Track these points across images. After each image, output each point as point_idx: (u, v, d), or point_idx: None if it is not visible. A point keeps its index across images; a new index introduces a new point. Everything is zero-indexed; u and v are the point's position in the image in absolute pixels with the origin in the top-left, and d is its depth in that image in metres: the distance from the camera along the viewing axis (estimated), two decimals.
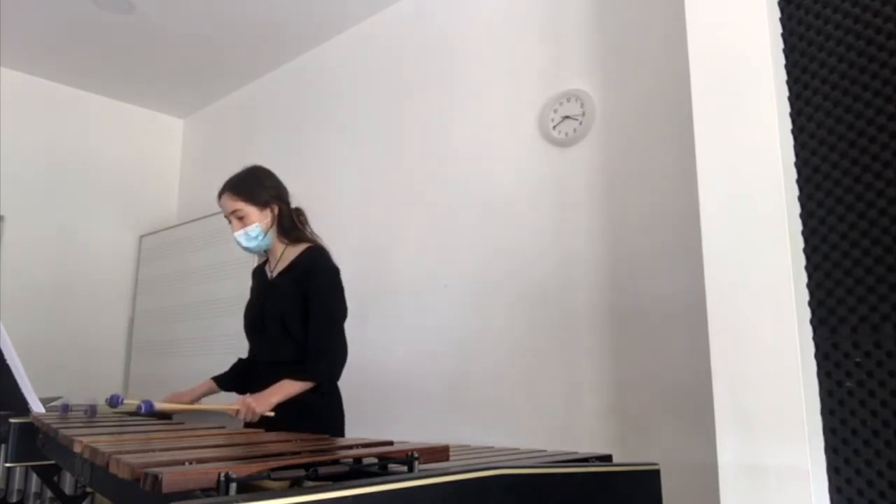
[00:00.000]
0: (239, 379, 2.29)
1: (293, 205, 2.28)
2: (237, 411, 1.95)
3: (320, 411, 2.06)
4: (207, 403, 2.18)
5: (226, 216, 2.19)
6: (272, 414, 1.94)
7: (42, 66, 4.25)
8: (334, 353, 2.06)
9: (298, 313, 2.08)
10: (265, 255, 2.31)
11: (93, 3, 3.52)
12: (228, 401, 2.12)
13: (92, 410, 1.92)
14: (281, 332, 2.10)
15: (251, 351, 2.27)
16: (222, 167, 4.52)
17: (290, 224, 2.22)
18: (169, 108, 4.92)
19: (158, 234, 4.60)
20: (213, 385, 2.29)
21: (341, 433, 2.15)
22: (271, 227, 2.19)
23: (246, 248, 2.20)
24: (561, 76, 2.73)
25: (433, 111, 3.23)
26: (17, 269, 4.10)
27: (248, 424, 1.98)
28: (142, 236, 4.71)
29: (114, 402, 1.90)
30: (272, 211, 2.19)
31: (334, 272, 2.15)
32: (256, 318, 2.20)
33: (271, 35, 3.85)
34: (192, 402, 2.19)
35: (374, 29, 3.63)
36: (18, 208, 4.17)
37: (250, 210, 2.15)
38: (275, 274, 2.21)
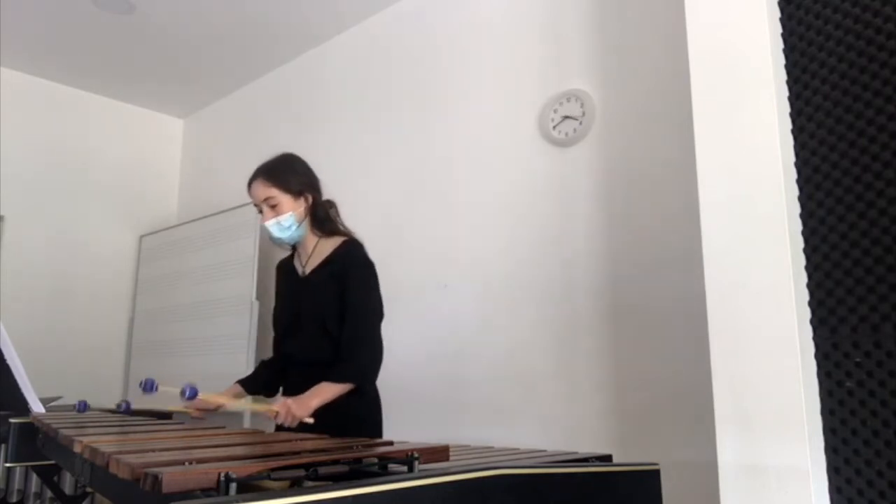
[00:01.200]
0: (265, 381, 2.18)
1: (325, 196, 2.16)
2: (276, 413, 1.83)
3: (360, 414, 1.96)
4: (248, 403, 2.06)
5: (256, 204, 2.07)
6: (311, 420, 1.81)
7: (42, 66, 4.25)
8: (371, 352, 1.95)
9: (337, 310, 1.97)
10: (291, 249, 2.18)
11: (93, 3, 3.52)
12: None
13: (83, 406, 1.92)
14: (319, 331, 1.99)
15: (284, 350, 2.14)
16: (222, 167, 4.55)
17: (324, 216, 2.10)
18: (169, 108, 4.92)
19: (158, 234, 4.60)
20: (240, 389, 2.16)
21: (380, 434, 2.06)
22: (305, 217, 2.07)
23: (277, 239, 2.07)
24: (561, 76, 2.73)
25: (433, 111, 3.23)
26: (17, 269, 4.10)
27: (286, 429, 1.87)
28: (142, 236, 4.71)
29: (147, 387, 1.79)
30: (306, 200, 2.07)
31: (371, 267, 2.06)
32: (291, 317, 2.08)
33: (271, 35, 3.85)
34: (219, 407, 2.07)
35: (373, 29, 3.63)
36: (18, 208, 4.17)
37: (284, 198, 2.02)
38: (308, 269, 2.08)
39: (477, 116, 3.03)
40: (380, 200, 3.39)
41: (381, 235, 3.35)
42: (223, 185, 4.41)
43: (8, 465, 1.76)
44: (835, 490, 1.47)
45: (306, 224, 2.07)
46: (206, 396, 2.00)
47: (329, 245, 2.07)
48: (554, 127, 2.70)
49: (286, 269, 2.19)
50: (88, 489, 2.03)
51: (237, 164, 4.41)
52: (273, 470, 0.81)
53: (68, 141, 4.47)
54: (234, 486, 0.75)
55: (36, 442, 1.67)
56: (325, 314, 1.98)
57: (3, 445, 1.74)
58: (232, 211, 3.95)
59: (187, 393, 1.69)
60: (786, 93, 1.65)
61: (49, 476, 2.02)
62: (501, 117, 2.92)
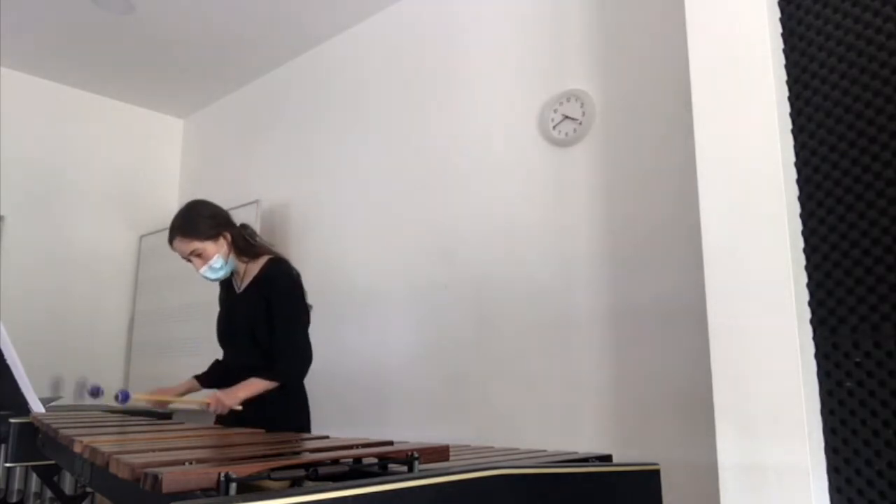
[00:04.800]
0: (219, 377, 2.41)
1: (239, 222, 2.41)
2: (208, 404, 2.10)
3: (287, 409, 2.21)
4: (181, 396, 2.36)
5: (184, 258, 2.30)
6: (240, 408, 2.09)
7: (42, 66, 4.25)
8: (299, 354, 2.20)
9: (264, 322, 2.22)
10: None
11: (93, 3, 3.52)
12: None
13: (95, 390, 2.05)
14: (249, 340, 2.25)
15: (223, 357, 2.44)
16: (222, 167, 4.55)
17: (244, 243, 2.35)
18: (169, 108, 4.92)
19: (158, 234, 4.59)
20: (196, 383, 2.44)
21: (308, 430, 2.30)
22: (230, 252, 2.32)
23: (215, 280, 2.35)
24: (561, 76, 2.73)
25: (433, 112, 3.23)
26: (18, 269, 4.09)
27: (218, 418, 2.16)
28: (142, 236, 4.71)
29: (94, 392, 2.07)
30: (225, 239, 2.31)
31: (294, 280, 2.30)
32: (227, 328, 2.37)
33: (271, 35, 3.85)
34: (175, 400, 2.36)
35: (374, 28, 3.63)
36: (18, 208, 4.17)
37: (205, 245, 2.27)
38: (242, 287, 2.35)
39: (477, 116, 3.03)
40: (379, 200, 3.39)
41: (381, 235, 3.35)
42: (223, 185, 4.41)
43: (8, 465, 1.77)
44: (835, 490, 1.47)
45: (233, 256, 2.34)
46: (141, 396, 2.31)
47: (256, 266, 2.34)
48: (554, 127, 2.70)
49: (226, 283, 2.46)
50: (88, 489, 2.03)
51: (237, 163, 4.41)
52: (273, 470, 0.81)
53: (68, 141, 4.47)
54: (234, 486, 0.75)
55: (36, 442, 1.66)
56: (255, 326, 2.24)
57: (3, 445, 1.73)
58: (232, 211, 3.93)
59: (119, 398, 1.89)
60: (786, 93, 1.65)
61: (49, 476, 2.02)
62: (501, 117, 2.92)
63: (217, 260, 2.28)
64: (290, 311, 2.23)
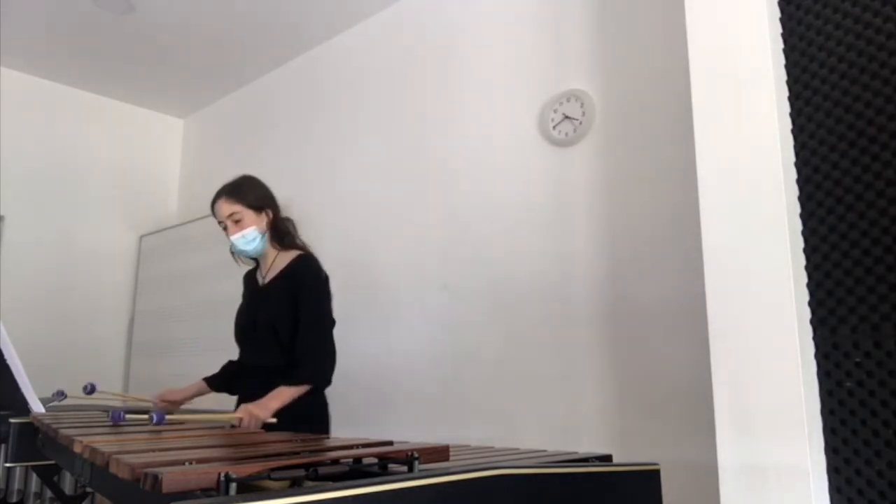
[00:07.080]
0: (230, 380, 2.32)
1: (283, 213, 2.33)
2: (240, 419, 1.94)
3: (313, 413, 2.12)
4: (210, 413, 2.23)
5: (220, 221, 2.21)
6: (274, 420, 1.96)
7: (42, 66, 4.25)
8: (326, 356, 2.12)
9: (289, 319, 2.12)
10: (255, 262, 2.34)
11: (93, 3, 3.52)
12: (219, 399, 2.24)
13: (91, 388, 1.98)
14: (271, 337, 2.14)
15: (239, 356, 2.31)
16: (222, 167, 4.55)
17: (284, 230, 2.27)
18: (169, 108, 4.92)
19: (158, 234, 4.60)
20: (204, 386, 2.34)
21: (327, 432, 2.21)
22: (266, 231, 2.23)
23: (242, 252, 2.23)
24: (561, 76, 2.73)
25: (433, 111, 3.23)
26: (18, 269, 4.10)
27: None
28: (142, 236, 4.71)
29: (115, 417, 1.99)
30: (267, 216, 2.23)
31: (324, 280, 2.21)
32: (248, 323, 2.25)
33: (271, 35, 3.85)
34: (183, 402, 2.28)
35: (374, 28, 3.63)
36: (18, 208, 4.17)
37: (247, 213, 2.18)
38: (266, 280, 2.25)
39: (477, 116, 3.03)
40: (379, 200, 3.39)
41: (381, 235, 3.35)
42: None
43: (8, 465, 1.76)
44: (835, 490, 1.47)
45: (267, 237, 2.24)
46: (167, 393, 2.22)
47: (286, 258, 2.23)
48: (554, 127, 2.70)
49: (249, 279, 2.37)
50: (88, 489, 2.03)
51: (237, 164, 4.41)
52: (273, 470, 0.81)
53: (68, 141, 4.47)
54: (234, 486, 0.75)
55: (36, 442, 1.66)
56: (278, 322, 2.13)
57: (3, 445, 1.73)
58: None
59: (154, 419, 1.77)
60: (786, 93, 1.65)
61: (49, 476, 2.02)
62: (501, 117, 2.92)
63: (252, 231, 2.18)
64: (316, 310, 2.13)
